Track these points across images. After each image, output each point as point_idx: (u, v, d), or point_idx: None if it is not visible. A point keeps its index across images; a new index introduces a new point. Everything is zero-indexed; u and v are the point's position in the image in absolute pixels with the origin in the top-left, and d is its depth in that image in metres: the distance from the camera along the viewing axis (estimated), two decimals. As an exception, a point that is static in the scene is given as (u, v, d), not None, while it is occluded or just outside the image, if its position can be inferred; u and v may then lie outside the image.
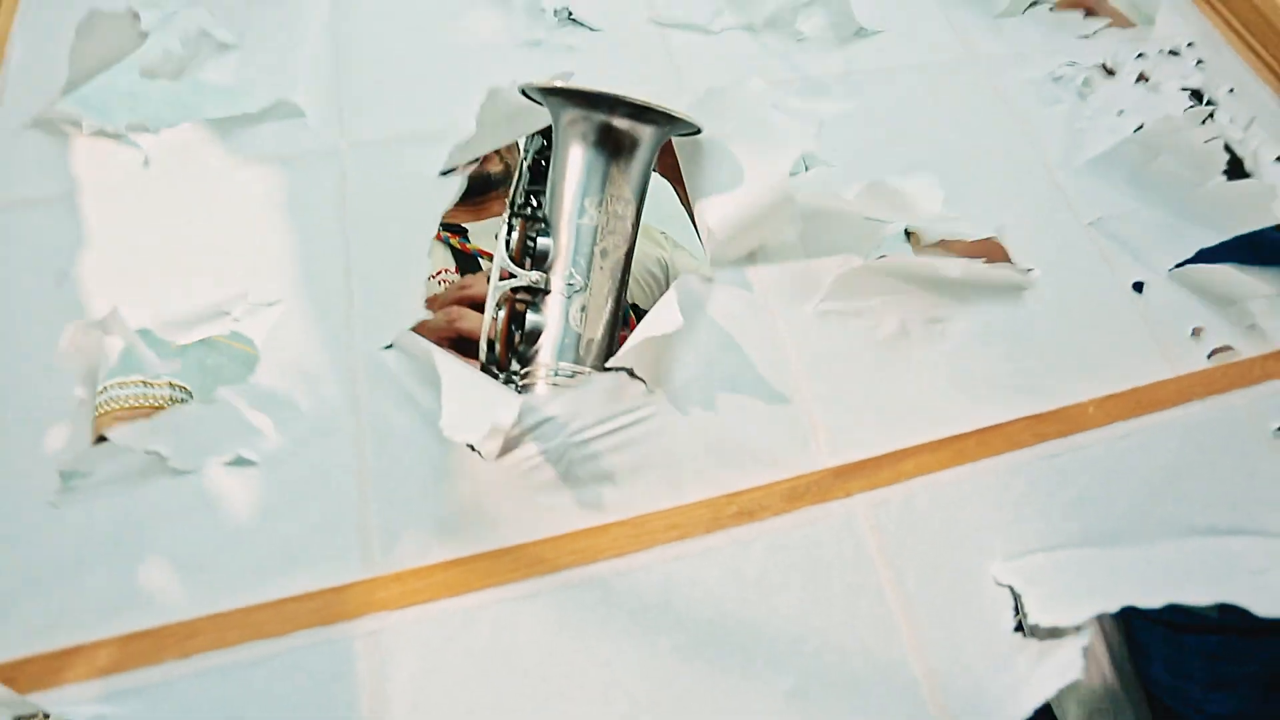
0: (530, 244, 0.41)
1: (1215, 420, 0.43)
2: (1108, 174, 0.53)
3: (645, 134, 0.42)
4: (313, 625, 0.35)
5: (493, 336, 0.41)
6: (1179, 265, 0.49)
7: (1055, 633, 0.35)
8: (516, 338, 0.41)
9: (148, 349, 0.40)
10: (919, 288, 0.48)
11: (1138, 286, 0.50)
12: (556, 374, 0.39)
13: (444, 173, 0.51)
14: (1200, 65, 0.60)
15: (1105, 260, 0.51)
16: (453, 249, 0.76)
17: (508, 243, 0.42)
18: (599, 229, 0.41)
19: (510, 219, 0.43)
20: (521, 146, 0.53)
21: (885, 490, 0.39)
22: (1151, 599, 0.35)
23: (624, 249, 0.42)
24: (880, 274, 0.48)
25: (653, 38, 0.58)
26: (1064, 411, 0.42)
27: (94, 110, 0.50)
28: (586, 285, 0.40)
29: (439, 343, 0.43)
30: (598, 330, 0.40)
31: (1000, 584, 0.37)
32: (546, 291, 0.40)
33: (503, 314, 0.40)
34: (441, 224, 0.73)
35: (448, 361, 0.43)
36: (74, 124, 0.50)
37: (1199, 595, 0.35)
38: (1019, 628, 0.35)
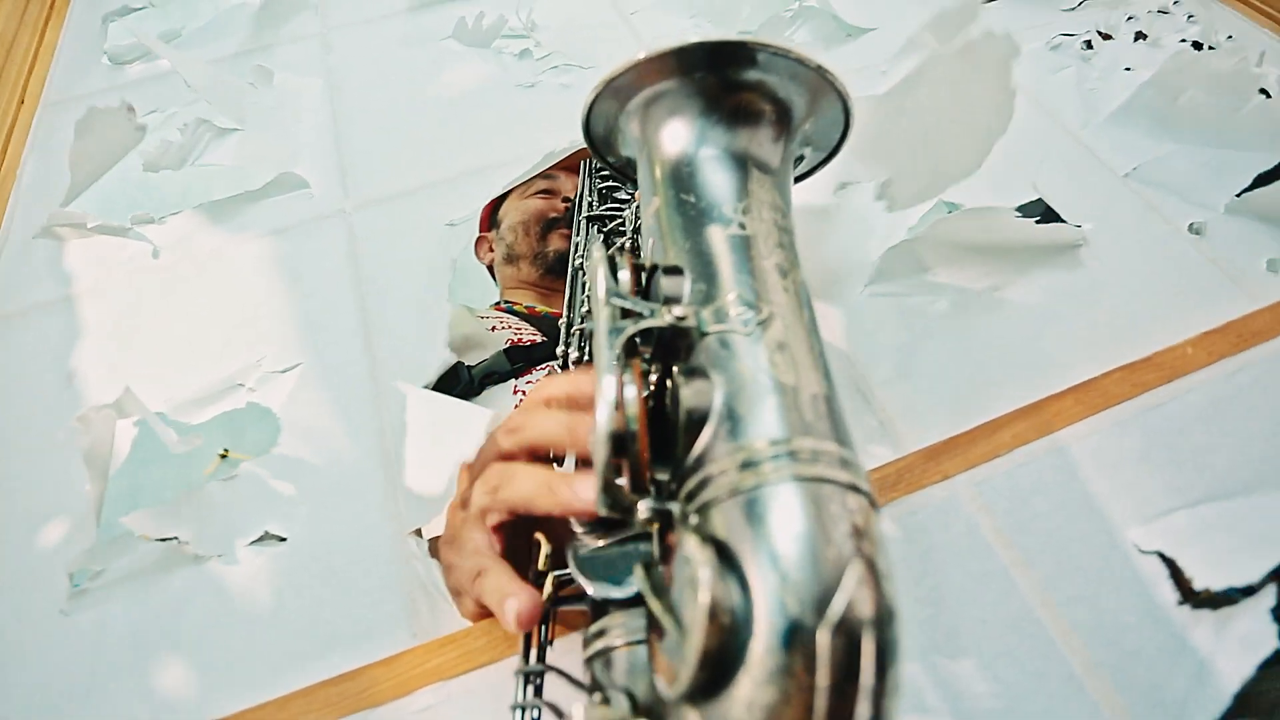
0: (641, 283, 0.24)
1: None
2: (1133, 123, 0.51)
3: (797, 103, 0.28)
4: (359, 710, 0.30)
5: (621, 429, 0.20)
6: (1240, 194, 0.46)
7: (1228, 599, 0.30)
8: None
9: (166, 427, 0.37)
10: (966, 259, 0.45)
11: (1195, 228, 0.47)
12: (793, 457, 0.18)
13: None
14: (1192, 19, 0.60)
15: (1153, 208, 0.48)
16: (517, 313, 0.62)
17: (612, 266, 0.23)
18: (756, 239, 0.24)
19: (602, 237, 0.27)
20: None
21: (986, 467, 0.34)
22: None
23: (801, 274, 0.24)
24: (924, 249, 0.45)
25: (644, 69, 0.58)
26: (1160, 357, 0.38)
27: (100, 210, 0.50)
28: (771, 312, 0.22)
29: (493, 537, 0.28)
30: (815, 380, 0.21)
31: (1144, 551, 0.32)
32: (703, 334, 0.21)
33: (631, 388, 0.20)
34: (501, 300, 0.68)
35: (418, 398, 0.37)
36: (79, 227, 0.50)
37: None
38: (1185, 599, 0.30)
